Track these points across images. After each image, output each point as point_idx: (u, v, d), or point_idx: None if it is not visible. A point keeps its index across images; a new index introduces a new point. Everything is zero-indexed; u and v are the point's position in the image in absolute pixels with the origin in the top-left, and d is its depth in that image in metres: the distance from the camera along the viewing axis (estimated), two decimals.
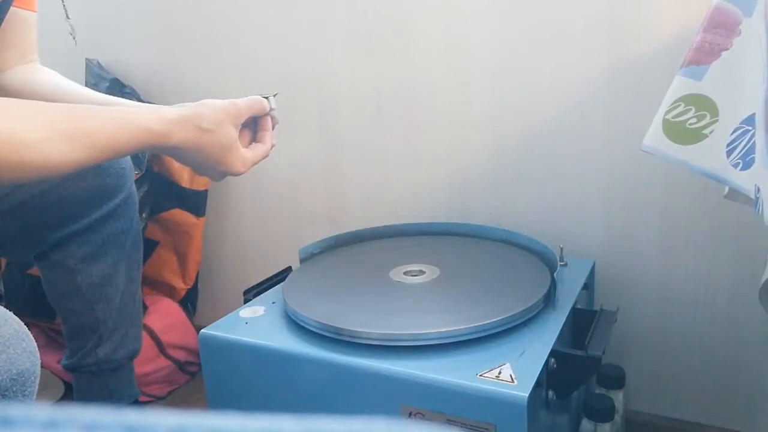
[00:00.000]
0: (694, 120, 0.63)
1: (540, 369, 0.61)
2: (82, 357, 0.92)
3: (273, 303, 0.81)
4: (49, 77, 0.85)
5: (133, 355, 0.96)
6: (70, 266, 0.88)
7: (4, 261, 1.20)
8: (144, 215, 1.16)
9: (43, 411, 0.16)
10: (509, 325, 0.68)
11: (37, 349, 0.55)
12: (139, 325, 0.97)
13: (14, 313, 0.54)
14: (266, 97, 0.76)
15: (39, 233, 0.87)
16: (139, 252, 0.95)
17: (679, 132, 0.63)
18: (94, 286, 0.90)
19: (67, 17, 1.09)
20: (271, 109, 0.76)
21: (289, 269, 0.91)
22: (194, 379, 1.21)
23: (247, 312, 0.78)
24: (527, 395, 0.57)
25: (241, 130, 0.72)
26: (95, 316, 0.91)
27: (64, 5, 1.05)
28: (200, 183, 1.21)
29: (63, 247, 0.88)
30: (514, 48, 0.94)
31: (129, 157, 0.90)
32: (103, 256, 0.89)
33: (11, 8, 0.79)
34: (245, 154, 0.72)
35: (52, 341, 1.19)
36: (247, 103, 0.72)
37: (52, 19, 1.02)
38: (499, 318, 0.67)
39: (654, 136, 0.64)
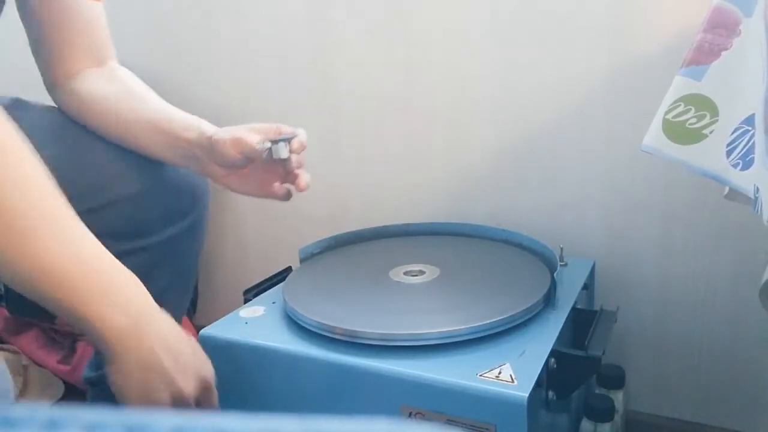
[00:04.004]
0: (694, 120, 0.63)
1: (540, 369, 0.61)
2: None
3: (273, 303, 0.81)
4: (115, 86, 0.79)
5: None
6: None
7: None
8: None
9: (44, 411, 0.16)
10: (509, 325, 0.68)
11: (6, 369, 0.53)
12: None
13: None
14: (277, 142, 0.72)
15: (114, 241, 0.83)
16: (193, 275, 0.90)
17: (679, 132, 0.63)
18: None
19: None
20: (282, 158, 0.73)
21: (289, 269, 0.91)
22: None
23: (247, 312, 0.78)
24: (527, 395, 0.57)
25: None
26: None
27: None
28: None
29: (126, 258, 0.83)
30: (515, 48, 0.94)
31: (206, 181, 0.86)
32: (155, 279, 0.83)
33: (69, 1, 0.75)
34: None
35: (52, 341, 1.19)
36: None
37: None
38: (499, 318, 0.67)
39: (654, 136, 0.64)
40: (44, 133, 0.74)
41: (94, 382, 0.90)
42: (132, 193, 0.78)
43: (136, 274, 0.82)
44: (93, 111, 0.77)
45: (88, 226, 0.79)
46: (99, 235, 0.81)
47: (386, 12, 1.02)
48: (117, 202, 0.77)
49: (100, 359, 0.88)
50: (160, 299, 0.86)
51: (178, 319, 0.90)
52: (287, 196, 0.77)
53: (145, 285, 0.83)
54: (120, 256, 0.82)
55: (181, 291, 0.89)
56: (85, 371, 0.92)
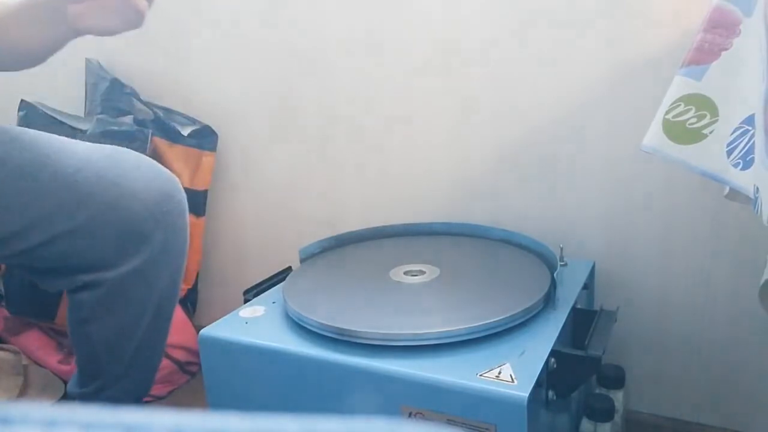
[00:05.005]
0: (694, 120, 0.63)
1: (540, 369, 0.61)
2: (86, 395, 0.86)
3: (273, 303, 0.81)
4: None
5: (140, 399, 0.90)
6: (83, 316, 0.81)
7: None
8: None
9: (43, 410, 0.16)
10: (509, 325, 0.68)
11: None
12: (153, 370, 0.90)
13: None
14: None
15: (66, 275, 0.79)
16: (172, 302, 0.85)
17: (679, 132, 0.63)
18: (107, 338, 0.82)
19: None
20: None
21: (289, 269, 0.91)
22: (194, 379, 1.21)
23: (247, 312, 0.78)
24: (527, 395, 0.57)
25: None
26: (102, 366, 0.84)
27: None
28: (200, 183, 1.21)
29: (83, 291, 0.79)
30: (515, 48, 0.94)
31: (177, 202, 0.82)
32: (122, 310, 0.81)
33: None
34: None
35: (52, 341, 1.19)
36: None
37: None
38: (499, 318, 0.67)
39: (654, 136, 0.64)
40: None
41: (77, 398, 0.88)
42: (84, 222, 0.75)
43: (96, 309, 0.78)
44: None
45: (41, 260, 0.75)
46: (53, 268, 0.77)
47: (386, 12, 1.02)
48: (70, 232, 0.75)
49: (83, 377, 0.86)
50: (129, 329, 0.81)
51: (156, 343, 0.86)
52: (142, 15, 0.69)
53: (110, 319, 0.79)
54: (78, 290, 0.78)
55: (157, 321, 0.84)
56: (69, 385, 0.91)
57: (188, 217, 0.85)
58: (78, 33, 0.70)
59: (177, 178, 0.84)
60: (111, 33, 0.70)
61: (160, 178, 0.81)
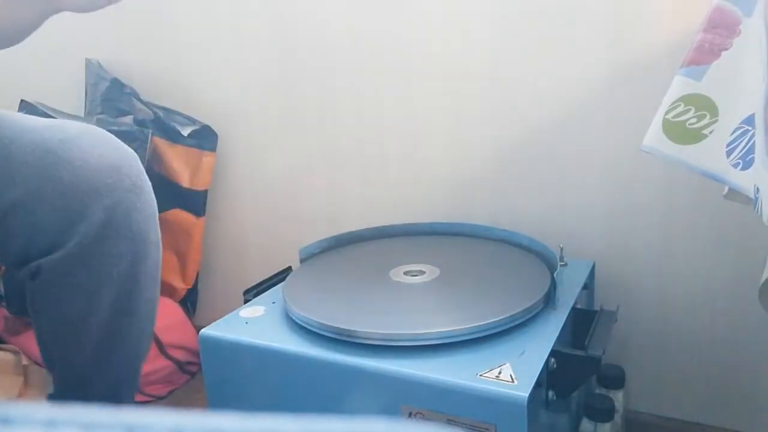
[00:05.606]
0: (694, 120, 0.63)
1: (540, 369, 0.61)
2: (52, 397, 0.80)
3: (273, 303, 0.81)
4: None
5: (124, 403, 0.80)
6: (32, 308, 0.73)
7: None
8: None
9: (43, 410, 0.16)
10: (509, 325, 0.68)
11: None
12: (121, 382, 0.79)
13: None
14: None
15: (20, 264, 0.71)
16: (135, 298, 0.73)
17: (679, 132, 0.63)
18: (55, 335, 0.74)
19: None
20: None
21: (289, 269, 0.91)
22: (194, 379, 1.21)
23: (247, 312, 0.78)
24: (527, 395, 0.57)
25: None
26: (54, 366, 0.76)
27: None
28: (200, 183, 1.21)
29: (31, 280, 0.70)
30: (515, 48, 0.94)
31: (124, 175, 0.70)
32: (63, 302, 0.71)
33: None
34: None
35: None
36: None
37: (51, 20, 1.02)
38: (499, 318, 0.67)
39: (654, 136, 0.64)
40: None
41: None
42: (21, 198, 0.67)
43: (36, 298, 0.70)
44: None
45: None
46: (4, 256, 0.69)
47: (386, 12, 1.02)
48: (9, 210, 0.67)
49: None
50: (77, 328, 0.71)
51: (125, 367, 0.78)
52: None
53: (49, 311, 0.71)
54: (29, 278, 0.69)
55: (117, 321, 0.73)
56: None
57: (148, 195, 0.73)
58: (56, 10, 0.65)
59: (134, 153, 0.73)
60: (91, 9, 0.66)
61: (105, 147, 0.70)
